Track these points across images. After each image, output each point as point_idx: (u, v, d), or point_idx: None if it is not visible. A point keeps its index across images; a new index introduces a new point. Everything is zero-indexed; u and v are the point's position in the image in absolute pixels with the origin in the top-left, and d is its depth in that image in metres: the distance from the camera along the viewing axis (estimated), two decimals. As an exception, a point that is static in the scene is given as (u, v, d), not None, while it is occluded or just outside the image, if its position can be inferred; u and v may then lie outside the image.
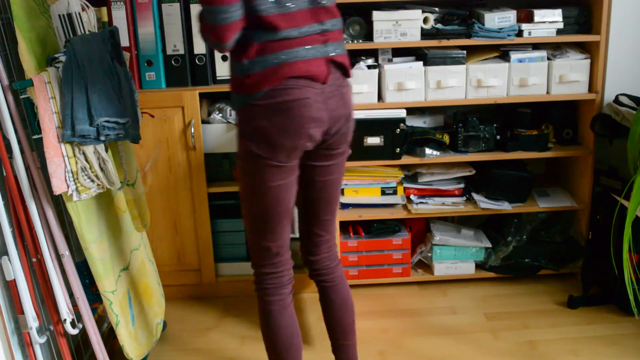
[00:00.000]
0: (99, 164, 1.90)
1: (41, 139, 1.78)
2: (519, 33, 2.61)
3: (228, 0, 1.56)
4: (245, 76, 1.67)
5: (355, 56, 2.68)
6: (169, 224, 2.68)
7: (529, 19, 2.61)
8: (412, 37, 2.58)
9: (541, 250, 2.83)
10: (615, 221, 2.44)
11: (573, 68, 2.65)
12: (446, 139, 2.70)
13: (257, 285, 1.88)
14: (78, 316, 2.02)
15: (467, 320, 2.59)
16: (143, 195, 2.24)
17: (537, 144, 2.73)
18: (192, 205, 2.66)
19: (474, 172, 2.80)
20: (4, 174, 1.85)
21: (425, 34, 2.59)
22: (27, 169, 1.86)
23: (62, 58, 1.84)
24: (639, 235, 2.45)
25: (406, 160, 2.71)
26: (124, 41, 2.45)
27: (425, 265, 2.92)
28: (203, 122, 2.60)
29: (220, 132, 2.61)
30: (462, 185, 2.80)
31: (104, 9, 2.45)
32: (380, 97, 2.68)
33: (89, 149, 1.86)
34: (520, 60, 2.65)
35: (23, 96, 1.82)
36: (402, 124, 2.65)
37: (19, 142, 1.84)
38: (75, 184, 1.84)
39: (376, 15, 2.55)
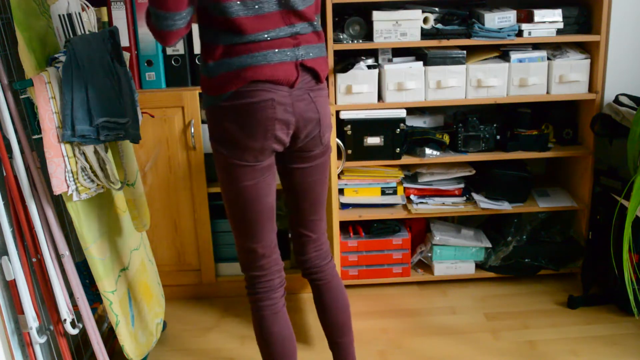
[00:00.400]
0: (99, 164, 1.90)
1: (41, 139, 1.78)
2: (519, 33, 2.61)
3: (175, 8, 1.56)
4: (211, 77, 1.68)
5: (355, 56, 2.68)
6: (169, 224, 2.68)
7: (529, 19, 2.61)
8: (412, 37, 2.58)
9: (541, 250, 2.83)
10: (615, 221, 2.44)
11: (573, 68, 2.65)
12: (446, 139, 2.70)
13: (249, 290, 1.89)
14: (78, 316, 2.02)
15: (467, 320, 2.59)
16: (143, 195, 2.24)
17: (537, 144, 2.73)
18: (192, 205, 2.66)
19: (474, 172, 2.80)
20: (4, 174, 1.85)
21: (425, 34, 2.59)
22: (27, 169, 1.86)
23: (62, 58, 1.84)
24: (639, 235, 2.45)
25: (406, 160, 2.71)
26: (124, 41, 2.45)
27: (425, 265, 2.92)
28: (203, 122, 2.60)
29: (220, 132, 2.60)
30: (462, 185, 2.81)
31: (104, 9, 2.45)
32: (380, 97, 2.68)
33: (89, 149, 1.86)
34: (520, 60, 2.65)
35: (23, 96, 1.82)
36: (402, 124, 2.65)
37: (19, 142, 1.84)
38: (75, 184, 1.84)
39: (376, 15, 2.55)
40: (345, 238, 2.79)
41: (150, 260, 2.46)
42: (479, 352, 2.38)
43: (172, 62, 2.56)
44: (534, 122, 2.79)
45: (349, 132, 2.65)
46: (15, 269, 1.86)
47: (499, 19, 2.58)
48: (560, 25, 2.61)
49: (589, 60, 2.66)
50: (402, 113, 2.65)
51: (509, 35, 2.59)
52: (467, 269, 2.84)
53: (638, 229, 2.42)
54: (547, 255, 2.83)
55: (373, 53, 2.71)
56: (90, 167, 1.87)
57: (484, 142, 2.73)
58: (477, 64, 2.64)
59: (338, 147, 2.65)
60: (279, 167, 1.87)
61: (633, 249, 2.43)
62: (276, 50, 1.66)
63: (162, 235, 2.69)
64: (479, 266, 2.87)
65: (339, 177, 2.74)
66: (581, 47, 2.72)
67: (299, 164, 1.84)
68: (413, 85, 2.61)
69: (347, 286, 2.75)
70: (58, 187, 1.79)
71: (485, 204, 2.76)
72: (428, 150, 2.68)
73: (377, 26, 2.56)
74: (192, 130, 2.55)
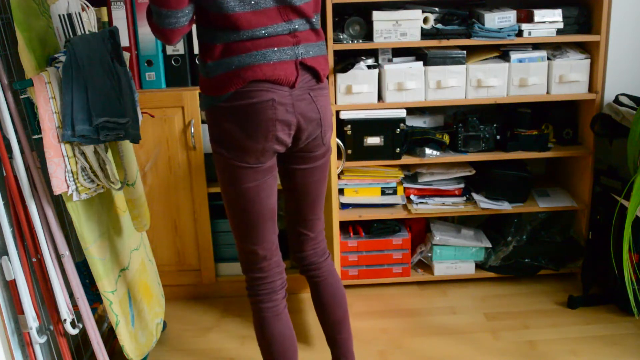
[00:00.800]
0: (99, 164, 1.90)
1: (41, 139, 1.78)
2: (519, 33, 2.61)
3: (175, 5, 1.54)
4: (211, 77, 1.66)
5: (355, 56, 2.68)
6: (169, 224, 2.68)
7: (529, 19, 2.61)
8: (412, 37, 2.58)
9: (541, 250, 2.83)
10: (615, 221, 2.44)
11: (573, 68, 2.65)
12: (446, 139, 2.70)
13: (250, 292, 1.88)
14: (78, 316, 2.02)
15: (467, 320, 2.59)
16: (143, 195, 2.24)
17: (537, 144, 2.73)
18: (192, 205, 2.66)
19: (474, 172, 2.80)
20: (4, 174, 1.85)
21: (425, 34, 2.59)
22: (27, 169, 1.86)
23: (62, 58, 1.84)
24: (639, 235, 2.45)
25: (406, 160, 2.71)
26: (124, 41, 2.45)
27: (425, 265, 2.92)
28: (203, 122, 2.60)
29: (220, 132, 2.60)
30: (462, 185, 2.81)
31: (104, 9, 2.45)
32: (380, 97, 2.68)
33: (89, 149, 1.86)
34: (520, 60, 2.65)
35: (23, 96, 1.82)
36: (402, 124, 2.65)
37: (19, 142, 1.84)
38: (75, 184, 1.84)
39: (376, 15, 2.55)
40: (345, 238, 2.79)
41: (150, 260, 2.47)
42: (479, 352, 2.39)
43: (172, 62, 2.56)
44: (534, 122, 2.79)
45: (349, 132, 2.65)
46: (15, 269, 1.86)
47: (499, 19, 2.58)
48: (560, 25, 2.61)
49: (589, 60, 2.66)
50: (402, 113, 2.65)
51: (509, 35, 2.59)
52: (467, 269, 2.84)
53: (638, 229, 2.42)
54: (547, 255, 2.83)
55: (373, 53, 2.71)
56: (90, 167, 1.87)
57: (484, 142, 2.73)
58: (477, 64, 2.64)
59: (338, 147, 2.65)
60: (280, 167, 1.86)
61: (633, 249, 2.43)
62: (275, 48, 1.64)
63: (162, 235, 2.69)
64: (479, 266, 2.87)
65: (339, 177, 2.74)
66: (581, 47, 2.72)
67: (300, 164, 1.83)
68: (413, 85, 2.61)
69: (347, 286, 2.76)
70: (58, 187, 1.79)
71: (485, 204, 2.76)
72: (428, 150, 2.68)
73: (377, 26, 2.56)
74: (192, 130, 2.55)
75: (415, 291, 2.83)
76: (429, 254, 2.85)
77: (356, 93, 2.62)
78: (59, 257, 1.93)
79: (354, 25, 2.62)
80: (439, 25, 2.61)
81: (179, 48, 2.54)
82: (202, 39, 1.69)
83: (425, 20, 2.58)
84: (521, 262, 2.83)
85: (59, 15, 1.96)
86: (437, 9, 2.61)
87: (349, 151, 2.67)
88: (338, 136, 2.65)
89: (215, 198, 2.72)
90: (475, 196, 2.80)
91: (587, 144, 2.75)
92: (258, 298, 1.85)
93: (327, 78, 1.83)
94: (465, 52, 2.63)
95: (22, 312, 1.89)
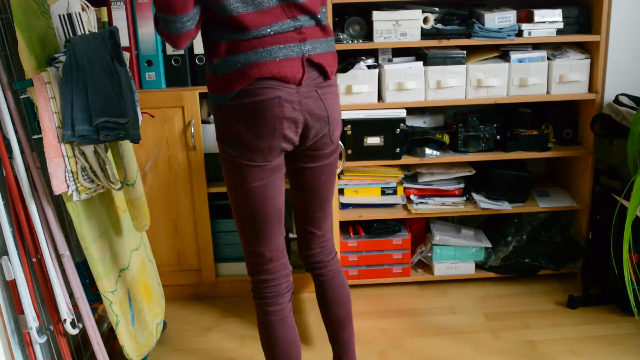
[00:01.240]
0: (99, 164, 1.90)
1: (41, 139, 1.78)
2: (519, 33, 2.61)
3: (180, 10, 1.54)
4: (217, 76, 1.66)
5: (355, 56, 2.68)
6: (169, 224, 2.68)
7: (529, 19, 2.61)
8: (412, 37, 2.58)
9: (541, 250, 2.83)
10: (615, 221, 2.44)
11: (573, 68, 2.65)
12: (446, 139, 2.71)
13: (255, 294, 1.85)
14: (78, 316, 2.02)
15: (467, 320, 2.59)
16: (143, 195, 2.24)
17: (537, 144, 2.73)
18: (192, 205, 2.66)
19: (474, 172, 2.80)
20: (4, 174, 1.85)
21: (425, 34, 2.59)
22: (27, 169, 1.86)
23: (62, 58, 1.84)
24: (639, 235, 2.45)
25: (406, 160, 2.71)
26: (124, 41, 2.45)
27: (425, 265, 2.92)
28: (203, 122, 2.60)
29: (220, 132, 2.60)
30: (462, 185, 2.81)
31: (104, 9, 2.45)
32: (380, 97, 2.68)
33: (89, 149, 1.86)
34: (520, 60, 2.65)
35: (23, 96, 1.82)
36: (402, 124, 2.65)
37: (19, 142, 1.84)
38: (75, 184, 1.84)
39: (376, 15, 2.55)
40: (345, 238, 2.79)
41: (150, 260, 2.47)
42: (479, 352, 2.39)
43: (172, 62, 2.56)
44: (534, 122, 2.79)
45: (349, 132, 2.65)
46: (15, 269, 1.86)
47: (499, 19, 2.58)
48: (560, 25, 2.61)
49: (589, 60, 2.66)
50: (402, 113, 2.65)
51: (509, 35, 2.59)
52: (467, 269, 2.85)
53: (638, 229, 2.42)
54: (547, 255, 2.83)
55: (373, 53, 2.71)
56: (90, 167, 1.87)
57: (484, 142, 2.73)
58: (477, 64, 2.64)
59: (338, 147, 2.65)
60: (288, 165, 1.85)
61: (633, 249, 2.43)
62: (281, 45, 1.63)
63: (162, 235, 2.70)
64: (479, 266, 2.87)
65: (339, 177, 2.74)
66: (581, 47, 2.72)
67: (309, 163, 1.82)
68: (413, 85, 2.61)
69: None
70: (58, 187, 1.79)
71: (485, 204, 2.76)
72: (428, 150, 2.68)
73: (377, 26, 2.56)
74: (192, 130, 2.55)
75: (415, 291, 2.83)
76: (429, 254, 2.85)
77: (356, 93, 2.62)
78: (59, 257, 1.93)
79: (354, 25, 2.62)
80: (439, 25, 2.61)
81: (179, 48, 2.54)
82: (207, 38, 1.68)
83: (425, 20, 2.58)
84: (521, 262, 2.83)
85: (59, 15, 1.96)
86: (437, 9, 2.61)
87: (349, 151, 2.67)
88: (338, 136, 2.65)
89: (215, 198, 2.72)
90: (475, 196, 2.80)
91: (587, 144, 2.75)
92: (263, 301, 1.83)
93: (336, 75, 1.81)
94: (465, 52, 2.63)
95: (22, 312, 1.89)
